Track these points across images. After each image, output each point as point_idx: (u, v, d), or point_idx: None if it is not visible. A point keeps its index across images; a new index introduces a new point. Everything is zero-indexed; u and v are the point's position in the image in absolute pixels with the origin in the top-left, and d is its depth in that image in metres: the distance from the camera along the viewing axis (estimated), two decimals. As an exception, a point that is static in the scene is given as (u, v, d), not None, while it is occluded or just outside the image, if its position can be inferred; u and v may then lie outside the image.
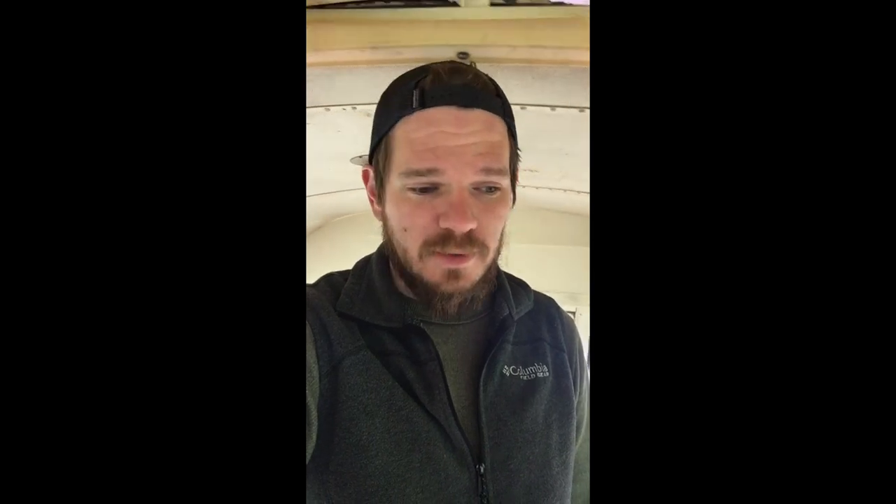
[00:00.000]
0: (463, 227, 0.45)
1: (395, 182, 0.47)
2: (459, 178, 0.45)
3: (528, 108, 0.94)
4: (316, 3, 0.79)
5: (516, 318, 0.54)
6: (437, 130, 0.44)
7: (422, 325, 0.49)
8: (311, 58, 0.80)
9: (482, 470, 0.47)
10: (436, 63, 0.48)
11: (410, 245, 0.47)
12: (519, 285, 0.59)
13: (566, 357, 0.57)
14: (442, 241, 0.46)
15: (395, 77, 0.52)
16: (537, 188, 1.48)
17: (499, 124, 0.47)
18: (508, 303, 0.54)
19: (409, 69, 0.51)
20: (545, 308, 0.60)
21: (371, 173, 0.52)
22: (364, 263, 0.56)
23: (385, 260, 0.54)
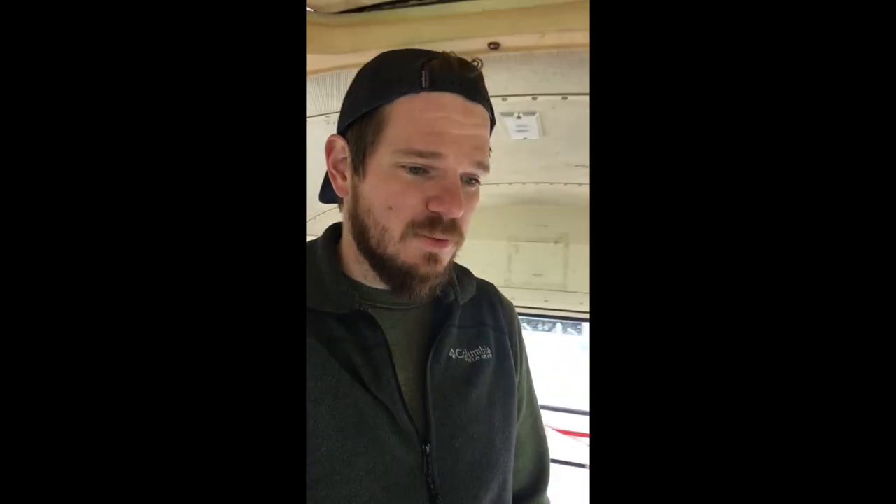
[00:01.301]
0: (456, 213, 0.45)
1: (384, 158, 0.46)
2: (456, 166, 0.45)
3: (570, 97, 0.91)
4: (352, 7, 0.79)
5: (461, 303, 0.55)
6: (445, 116, 0.44)
7: (369, 310, 0.48)
8: (350, 59, 0.82)
9: (428, 450, 0.47)
10: (434, 51, 0.48)
11: (393, 224, 0.46)
12: (463, 272, 0.59)
13: (507, 339, 0.59)
14: (430, 224, 0.46)
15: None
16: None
17: (488, 124, 0.48)
18: (454, 288, 0.54)
19: None
20: (486, 293, 0.61)
21: (341, 144, 0.50)
22: (309, 249, 0.55)
23: (333, 244, 0.53)
